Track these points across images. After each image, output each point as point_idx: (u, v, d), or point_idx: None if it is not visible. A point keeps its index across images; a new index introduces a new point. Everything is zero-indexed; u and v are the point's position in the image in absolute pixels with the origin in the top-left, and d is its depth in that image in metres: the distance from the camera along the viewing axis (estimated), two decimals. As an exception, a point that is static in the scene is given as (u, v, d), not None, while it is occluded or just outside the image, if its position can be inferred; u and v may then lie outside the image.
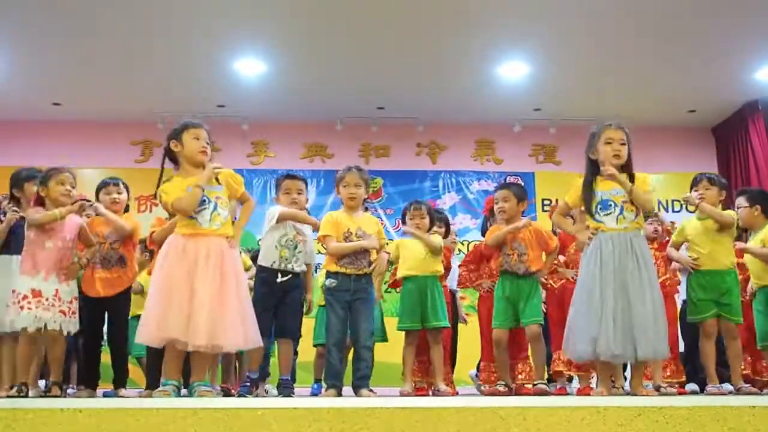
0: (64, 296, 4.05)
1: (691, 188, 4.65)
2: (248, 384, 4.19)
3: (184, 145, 3.61)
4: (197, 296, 3.35)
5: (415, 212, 4.85)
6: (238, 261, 3.63)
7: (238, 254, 3.72)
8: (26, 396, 3.91)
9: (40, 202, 4.16)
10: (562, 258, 5.04)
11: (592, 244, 3.68)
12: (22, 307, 3.92)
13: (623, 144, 3.70)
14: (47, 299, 3.97)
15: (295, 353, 4.92)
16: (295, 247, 4.26)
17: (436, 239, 4.77)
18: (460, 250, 8.30)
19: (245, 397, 3.96)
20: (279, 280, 4.18)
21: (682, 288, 5.36)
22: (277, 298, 4.19)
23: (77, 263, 4.23)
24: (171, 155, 3.68)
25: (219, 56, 7.27)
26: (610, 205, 3.65)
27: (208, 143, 3.65)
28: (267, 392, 4.89)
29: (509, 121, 8.79)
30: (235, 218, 3.86)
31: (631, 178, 3.67)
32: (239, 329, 3.44)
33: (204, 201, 3.51)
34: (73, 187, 4.19)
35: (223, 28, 6.70)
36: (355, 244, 4.19)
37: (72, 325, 4.09)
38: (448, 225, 5.48)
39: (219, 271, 3.43)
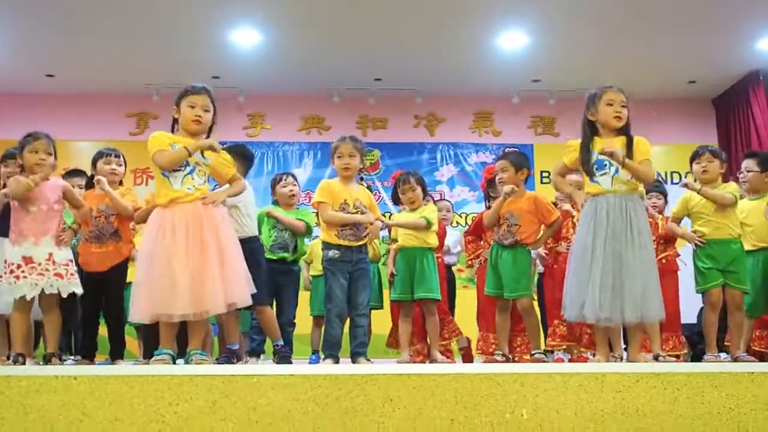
0: (59, 259, 4.01)
1: (693, 161, 4.62)
2: (227, 355, 4.17)
3: (181, 112, 3.58)
4: (177, 266, 3.35)
5: (405, 186, 4.80)
6: (221, 223, 3.58)
7: (221, 215, 3.66)
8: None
9: (22, 170, 4.12)
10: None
11: (588, 208, 3.66)
12: (17, 277, 3.89)
13: (624, 106, 3.67)
14: (40, 264, 3.94)
15: (292, 324, 4.89)
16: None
17: (419, 221, 4.71)
18: (458, 223, 8.30)
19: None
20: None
21: (684, 271, 5.37)
22: (258, 265, 4.20)
23: (71, 228, 4.18)
24: (176, 120, 3.68)
25: (214, 27, 7.18)
26: (605, 165, 3.62)
27: (208, 110, 3.60)
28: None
29: (508, 93, 8.71)
30: None
31: (630, 141, 3.64)
32: (220, 293, 3.41)
33: (185, 164, 3.51)
34: (50, 154, 4.10)
35: (217, -3, 6.62)
36: (351, 216, 4.16)
37: (74, 286, 4.04)
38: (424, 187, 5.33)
39: (198, 236, 3.43)
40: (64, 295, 4.02)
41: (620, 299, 3.49)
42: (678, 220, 4.78)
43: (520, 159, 4.63)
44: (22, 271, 3.90)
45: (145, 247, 3.49)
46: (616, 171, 3.61)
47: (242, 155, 4.48)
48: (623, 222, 3.56)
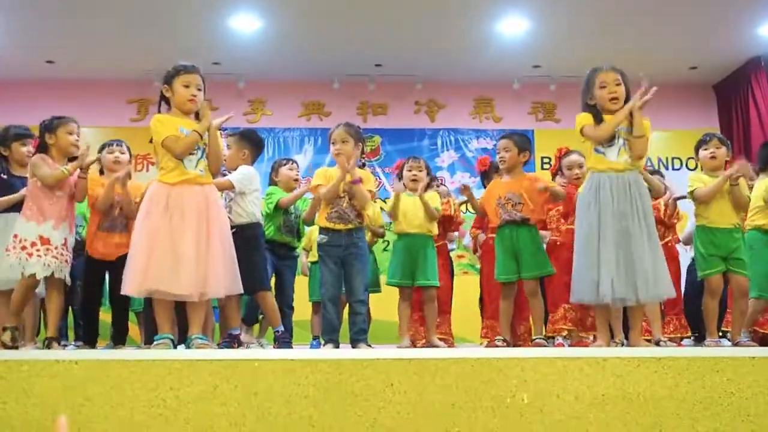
0: (70, 247, 4.04)
1: (700, 147, 4.60)
2: (228, 340, 4.18)
3: (174, 91, 3.54)
4: (183, 247, 3.33)
5: (414, 163, 4.85)
6: (222, 208, 3.64)
7: (222, 201, 3.69)
8: (17, 342, 3.91)
9: (43, 149, 4.08)
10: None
11: (590, 186, 3.64)
12: (30, 254, 3.88)
13: (618, 84, 3.65)
14: (56, 248, 3.94)
15: (291, 308, 4.94)
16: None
17: (434, 211, 4.76)
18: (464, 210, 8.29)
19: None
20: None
21: (683, 261, 5.37)
22: (259, 251, 4.21)
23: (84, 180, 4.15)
24: (164, 98, 3.62)
25: (214, 13, 7.15)
26: (614, 136, 3.61)
27: (201, 89, 3.58)
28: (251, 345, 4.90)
29: (508, 79, 8.69)
30: None
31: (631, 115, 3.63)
32: (222, 277, 3.43)
33: (197, 147, 3.51)
34: (78, 138, 4.14)
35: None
36: (332, 182, 4.14)
37: (67, 275, 4.07)
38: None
39: (204, 219, 3.42)
40: (68, 282, 4.03)
41: (633, 277, 3.48)
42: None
43: (524, 141, 4.57)
44: (37, 250, 3.88)
45: (149, 222, 3.40)
46: (624, 143, 3.60)
47: (252, 141, 4.50)
48: (627, 199, 3.55)
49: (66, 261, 4.01)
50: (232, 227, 3.78)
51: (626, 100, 3.67)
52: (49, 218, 3.94)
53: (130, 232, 4.45)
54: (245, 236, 4.09)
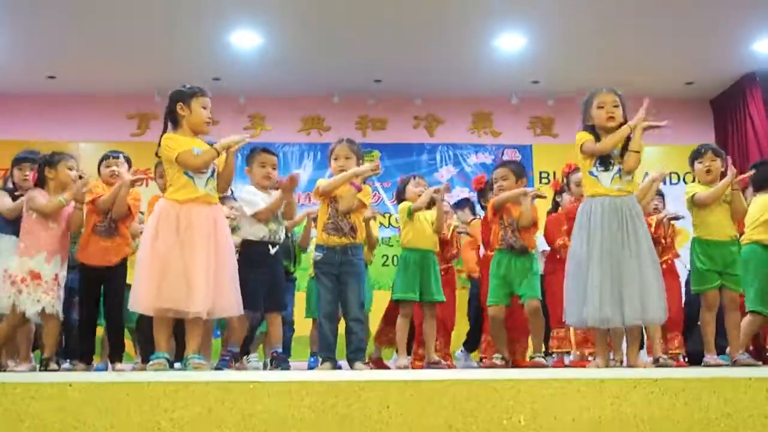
0: (62, 281, 4.05)
1: (695, 160, 4.61)
2: (227, 358, 4.17)
3: (192, 111, 3.57)
4: (195, 264, 3.34)
5: (420, 180, 4.95)
6: (227, 228, 3.68)
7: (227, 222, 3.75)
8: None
9: (41, 182, 4.12)
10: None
11: (583, 210, 3.67)
12: (20, 290, 3.90)
13: (616, 106, 3.69)
14: (47, 282, 3.95)
15: (292, 326, 4.94)
16: (277, 218, 4.28)
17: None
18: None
19: (222, 370, 3.95)
20: (273, 251, 4.19)
21: (681, 270, 5.36)
22: (268, 271, 4.17)
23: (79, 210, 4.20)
24: (173, 116, 3.63)
25: (214, 29, 7.18)
26: (610, 163, 3.63)
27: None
28: (249, 363, 4.90)
29: (507, 94, 8.72)
30: None
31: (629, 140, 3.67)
32: (233, 296, 3.48)
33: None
34: (74, 169, 4.20)
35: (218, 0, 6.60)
36: (341, 175, 4.15)
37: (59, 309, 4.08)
38: None
39: (213, 239, 3.44)
40: (60, 318, 4.04)
41: (620, 302, 3.49)
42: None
43: (521, 168, 4.73)
44: (26, 286, 3.90)
45: (159, 241, 3.40)
46: (619, 171, 3.62)
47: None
48: (619, 223, 3.57)
49: (58, 297, 4.01)
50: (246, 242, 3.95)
51: (622, 124, 3.70)
52: (42, 250, 3.97)
53: (123, 237, 4.47)
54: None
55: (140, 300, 3.38)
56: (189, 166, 3.46)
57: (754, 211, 4.60)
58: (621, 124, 3.70)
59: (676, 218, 5.22)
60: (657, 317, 3.62)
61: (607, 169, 3.65)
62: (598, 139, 3.70)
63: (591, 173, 3.69)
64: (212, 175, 3.57)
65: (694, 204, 4.44)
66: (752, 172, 4.59)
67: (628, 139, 3.67)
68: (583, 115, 3.79)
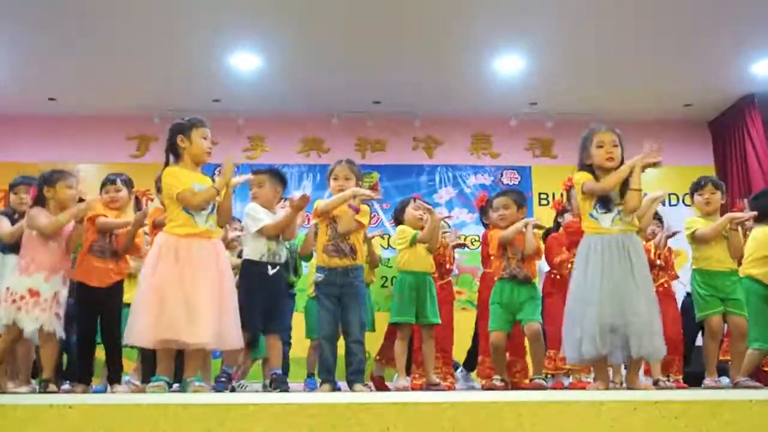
0: (62, 300, 4.05)
1: (695, 192, 4.64)
2: (223, 380, 4.16)
3: (193, 142, 3.61)
4: (199, 295, 3.35)
5: (421, 203, 4.98)
6: (228, 261, 3.71)
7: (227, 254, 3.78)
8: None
9: (40, 201, 4.12)
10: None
11: (584, 247, 3.66)
12: (19, 308, 3.90)
13: (615, 146, 3.68)
14: (46, 300, 3.94)
15: (288, 344, 4.93)
16: (279, 238, 4.29)
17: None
18: (464, 245, 8.29)
19: (220, 392, 3.94)
20: (271, 272, 4.18)
21: (679, 293, 5.36)
22: (267, 293, 4.17)
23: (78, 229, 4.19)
24: (173, 148, 3.65)
25: (214, 51, 7.23)
26: (610, 205, 3.62)
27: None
28: (244, 388, 4.87)
29: (506, 115, 8.76)
30: None
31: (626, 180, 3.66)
32: (234, 329, 3.50)
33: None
34: (73, 188, 4.20)
35: (218, 22, 6.66)
36: (339, 195, 4.18)
37: (60, 329, 4.07)
38: None
39: (216, 270, 3.45)
40: (59, 336, 4.03)
41: (620, 339, 3.48)
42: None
43: (522, 197, 4.77)
44: (26, 303, 3.89)
45: (158, 273, 3.42)
46: (618, 213, 3.61)
47: (283, 179, 4.64)
48: (621, 262, 3.54)
49: (57, 315, 4.00)
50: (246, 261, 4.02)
51: (621, 161, 3.70)
52: (41, 269, 3.96)
53: (120, 258, 4.46)
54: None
55: (138, 333, 3.39)
56: (189, 205, 3.48)
57: (752, 245, 4.62)
58: (619, 165, 3.69)
59: (673, 235, 5.21)
60: (655, 354, 3.60)
61: (607, 211, 3.63)
62: (596, 178, 3.70)
63: (591, 215, 3.67)
64: (212, 211, 3.59)
65: (695, 240, 4.48)
66: (753, 214, 4.53)
67: (627, 177, 3.66)
68: (580, 153, 3.77)
